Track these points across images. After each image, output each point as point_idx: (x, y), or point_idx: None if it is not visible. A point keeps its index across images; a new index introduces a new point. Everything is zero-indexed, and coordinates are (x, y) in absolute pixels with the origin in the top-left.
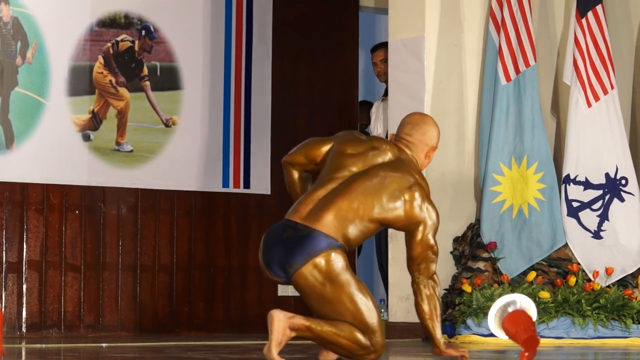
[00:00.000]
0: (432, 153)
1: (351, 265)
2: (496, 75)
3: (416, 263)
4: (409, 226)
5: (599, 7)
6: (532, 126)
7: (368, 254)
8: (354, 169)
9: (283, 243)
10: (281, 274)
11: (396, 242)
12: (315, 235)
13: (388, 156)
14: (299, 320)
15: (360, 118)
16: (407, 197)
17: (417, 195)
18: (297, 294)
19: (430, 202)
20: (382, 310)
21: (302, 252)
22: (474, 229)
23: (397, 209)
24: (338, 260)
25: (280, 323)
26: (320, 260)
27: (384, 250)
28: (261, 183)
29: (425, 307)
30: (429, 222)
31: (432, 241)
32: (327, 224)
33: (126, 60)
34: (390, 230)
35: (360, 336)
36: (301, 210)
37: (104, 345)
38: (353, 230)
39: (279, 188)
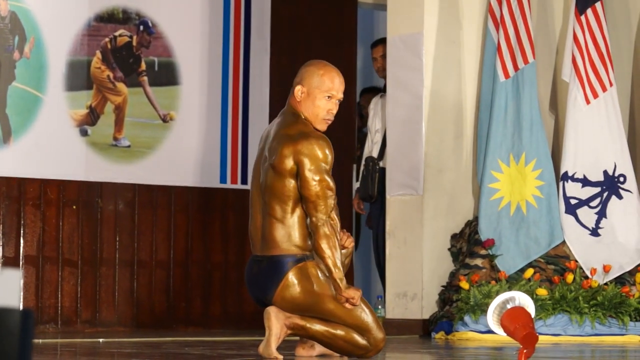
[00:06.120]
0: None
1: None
2: (495, 72)
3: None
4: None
5: (598, 5)
6: (531, 123)
7: (365, 250)
8: (255, 183)
9: (254, 280)
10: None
11: (394, 238)
12: (274, 260)
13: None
14: (295, 320)
15: (365, 106)
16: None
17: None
18: None
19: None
20: (380, 307)
21: (269, 282)
22: (472, 225)
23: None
24: (305, 273)
25: (278, 320)
26: (288, 281)
27: (381, 247)
28: None
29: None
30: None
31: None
32: (278, 243)
33: (124, 55)
34: (387, 227)
35: (356, 336)
36: (255, 242)
37: (101, 340)
38: (300, 232)
39: None
